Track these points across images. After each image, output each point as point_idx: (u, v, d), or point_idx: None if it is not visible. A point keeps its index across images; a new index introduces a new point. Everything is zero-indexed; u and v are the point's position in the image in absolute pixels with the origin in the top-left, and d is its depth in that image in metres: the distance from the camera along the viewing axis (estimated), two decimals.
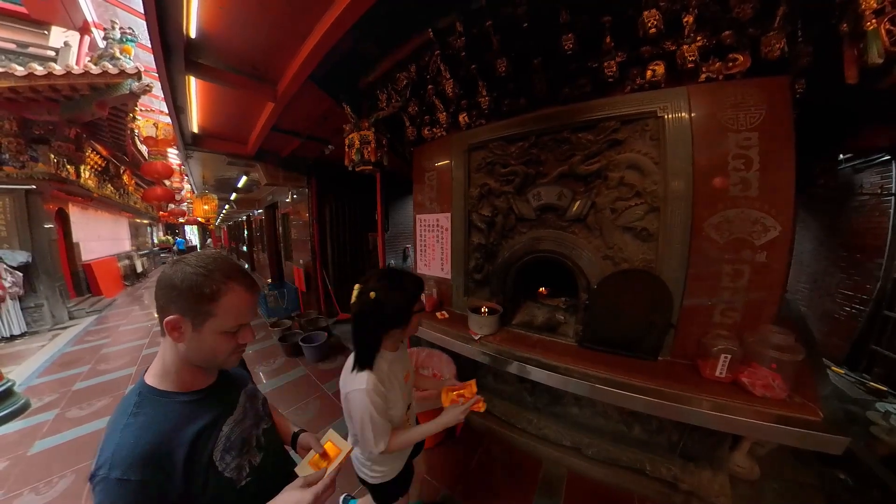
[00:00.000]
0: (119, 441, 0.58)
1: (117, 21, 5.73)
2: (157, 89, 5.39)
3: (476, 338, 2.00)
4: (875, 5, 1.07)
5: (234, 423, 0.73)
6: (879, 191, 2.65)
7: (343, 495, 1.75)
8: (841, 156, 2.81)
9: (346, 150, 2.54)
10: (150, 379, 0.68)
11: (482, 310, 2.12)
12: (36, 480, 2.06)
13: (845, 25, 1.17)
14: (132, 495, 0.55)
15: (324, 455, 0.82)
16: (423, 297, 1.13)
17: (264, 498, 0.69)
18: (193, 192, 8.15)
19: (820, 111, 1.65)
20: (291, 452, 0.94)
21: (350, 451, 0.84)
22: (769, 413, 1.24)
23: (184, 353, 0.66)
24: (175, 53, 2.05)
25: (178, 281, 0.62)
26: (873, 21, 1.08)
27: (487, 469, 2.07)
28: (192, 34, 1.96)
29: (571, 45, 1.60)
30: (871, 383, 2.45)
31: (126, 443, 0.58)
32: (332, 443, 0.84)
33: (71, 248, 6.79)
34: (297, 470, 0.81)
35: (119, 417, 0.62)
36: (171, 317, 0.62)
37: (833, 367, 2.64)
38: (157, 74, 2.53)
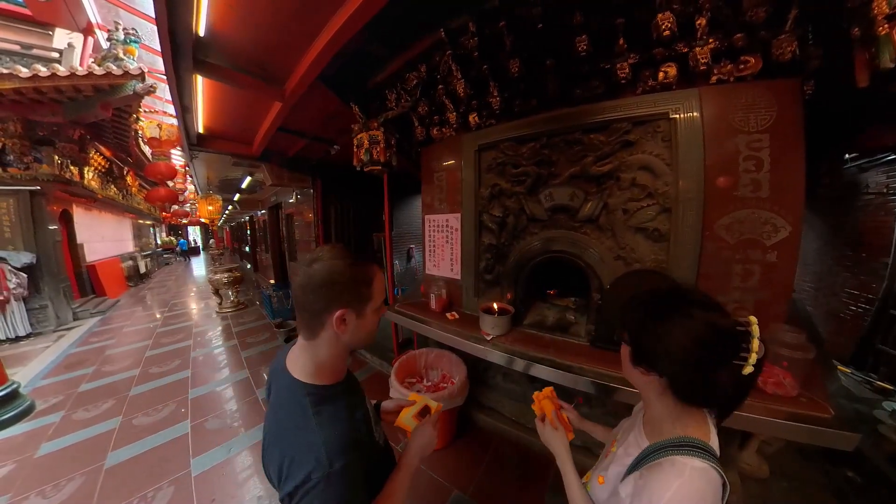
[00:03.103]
0: (323, 438, 0.62)
1: (121, 22, 5.73)
2: (161, 91, 5.41)
3: (488, 338, 2.01)
4: (887, 10, 1.08)
5: (367, 401, 0.87)
6: (885, 190, 2.66)
7: None
8: (846, 155, 2.82)
9: (355, 150, 2.55)
10: (308, 378, 0.71)
11: (494, 310, 2.13)
12: (43, 483, 2.05)
13: (857, 30, 1.18)
14: (351, 476, 0.62)
15: (424, 409, 1.02)
16: None
17: (389, 458, 0.87)
18: (197, 193, 8.14)
19: (826, 111, 1.66)
20: None
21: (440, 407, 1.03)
22: (781, 410, 1.24)
23: (346, 342, 0.71)
24: (183, 52, 2.05)
25: (337, 277, 0.66)
26: (885, 26, 1.09)
27: (498, 469, 2.08)
28: (201, 33, 1.97)
29: (585, 47, 1.62)
30: (878, 382, 2.45)
31: (331, 436, 0.63)
32: (416, 395, 1.08)
33: (75, 250, 6.80)
34: (402, 420, 0.97)
35: (303, 421, 0.65)
36: (339, 311, 0.66)
37: (839, 367, 2.64)
38: (160, 75, 2.54)
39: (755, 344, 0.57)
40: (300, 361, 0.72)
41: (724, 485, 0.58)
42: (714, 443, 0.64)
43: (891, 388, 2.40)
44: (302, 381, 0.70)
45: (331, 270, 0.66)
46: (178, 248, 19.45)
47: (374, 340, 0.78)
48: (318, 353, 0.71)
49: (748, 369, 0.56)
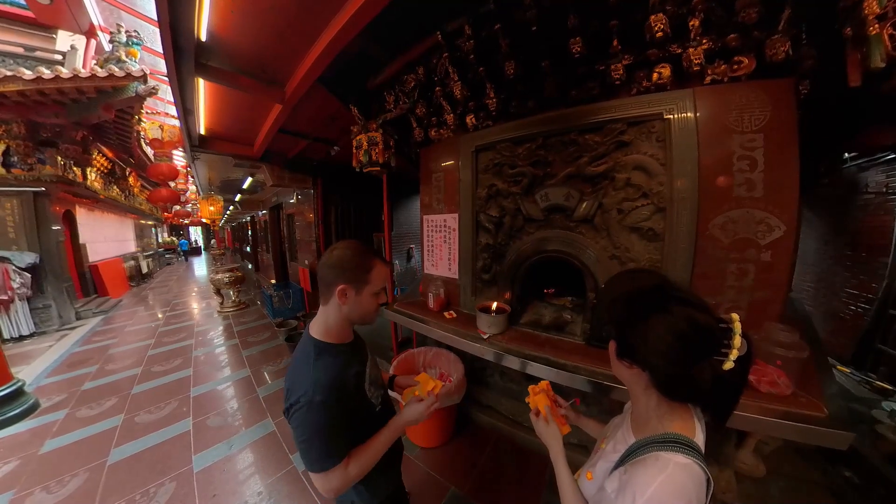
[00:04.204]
0: (314, 377, 0.82)
1: (123, 24, 5.78)
2: (162, 92, 5.45)
3: (485, 337, 2.02)
4: (878, 10, 1.09)
5: (370, 367, 1.02)
6: (884, 189, 2.66)
7: None
8: (846, 154, 2.82)
9: (354, 151, 2.58)
10: (318, 335, 0.92)
11: (491, 309, 2.14)
12: (47, 479, 2.09)
13: (849, 30, 1.19)
14: (329, 411, 0.80)
15: (425, 385, 1.13)
16: None
17: (385, 419, 0.99)
18: (198, 194, 8.20)
19: (825, 110, 1.67)
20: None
21: (442, 386, 1.13)
22: (774, 409, 1.25)
23: (346, 313, 0.91)
24: (185, 56, 2.08)
25: (345, 261, 0.88)
26: (876, 26, 1.10)
27: (495, 467, 2.10)
28: (203, 37, 1.99)
29: (579, 49, 1.63)
30: (877, 382, 2.45)
31: (320, 377, 0.82)
32: (425, 377, 1.17)
33: (78, 250, 6.87)
34: (406, 393, 1.19)
35: (305, 362, 0.87)
36: (341, 286, 0.87)
37: (839, 366, 2.64)
38: (161, 77, 2.56)
39: (736, 340, 0.58)
40: (316, 323, 0.94)
41: (707, 480, 0.59)
42: (699, 439, 0.65)
43: (890, 387, 2.40)
44: (313, 337, 0.91)
45: (341, 256, 0.89)
46: (179, 248, 19.56)
47: (372, 321, 0.97)
48: (328, 317, 0.92)
49: (728, 365, 0.57)
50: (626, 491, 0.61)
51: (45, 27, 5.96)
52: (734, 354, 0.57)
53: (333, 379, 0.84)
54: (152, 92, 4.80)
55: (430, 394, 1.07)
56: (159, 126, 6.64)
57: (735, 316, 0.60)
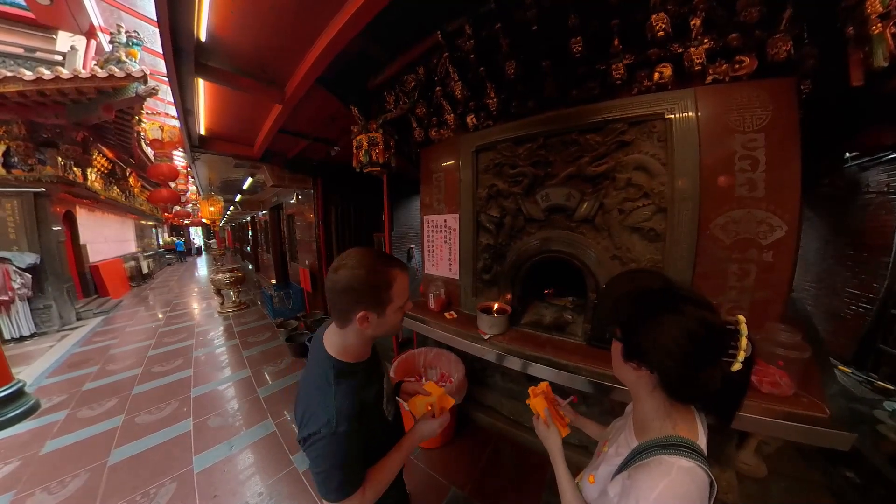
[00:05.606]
0: (336, 405, 0.74)
1: (123, 25, 5.78)
2: (163, 92, 5.45)
3: (486, 337, 2.02)
4: (881, 9, 1.08)
5: (385, 381, 0.97)
6: (886, 189, 2.65)
7: None
8: (847, 154, 2.82)
9: (354, 151, 2.57)
10: (336, 354, 0.84)
11: (492, 310, 2.14)
12: (48, 480, 2.09)
13: (851, 29, 1.19)
14: (352, 441, 0.74)
15: (440, 398, 1.05)
16: None
17: (397, 431, 0.97)
18: (199, 194, 8.21)
19: (826, 109, 1.66)
20: None
21: (453, 402, 1.06)
22: (776, 409, 1.24)
23: (370, 335, 0.83)
24: (185, 56, 2.07)
25: (360, 283, 0.75)
26: (879, 25, 1.10)
27: (496, 468, 2.10)
28: (203, 38, 1.99)
29: (580, 48, 1.63)
30: (879, 382, 2.44)
31: (343, 405, 0.75)
32: (434, 386, 1.09)
33: (78, 250, 6.87)
34: (413, 401, 1.08)
35: (325, 388, 0.78)
36: (360, 313, 0.76)
37: (840, 367, 2.64)
38: (162, 77, 2.56)
39: (743, 342, 0.58)
40: (332, 340, 0.85)
41: (711, 484, 0.59)
42: (702, 441, 0.65)
43: (891, 387, 2.39)
44: (331, 355, 0.83)
45: (351, 278, 0.74)
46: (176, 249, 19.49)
47: (399, 331, 0.93)
48: (346, 338, 0.83)
49: (736, 366, 0.58)
50: (629, 495, 0.61)
51: (46, 28, 5.96)
52: (741, 356, 0.58)
53: (355, 405, 0.78)
54: (152, 92, 4.80)
55: (444, 410, 1.01)
56: (159, 126, 6.65)
57: (742, 318, 0.60)
